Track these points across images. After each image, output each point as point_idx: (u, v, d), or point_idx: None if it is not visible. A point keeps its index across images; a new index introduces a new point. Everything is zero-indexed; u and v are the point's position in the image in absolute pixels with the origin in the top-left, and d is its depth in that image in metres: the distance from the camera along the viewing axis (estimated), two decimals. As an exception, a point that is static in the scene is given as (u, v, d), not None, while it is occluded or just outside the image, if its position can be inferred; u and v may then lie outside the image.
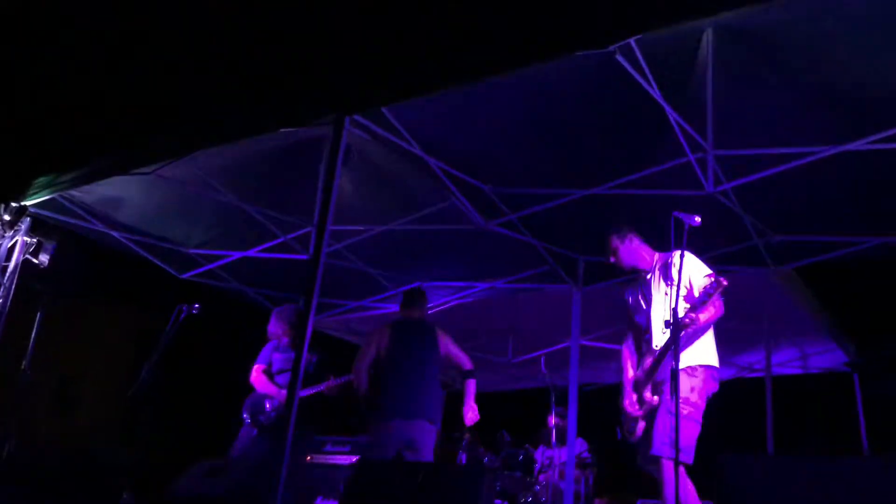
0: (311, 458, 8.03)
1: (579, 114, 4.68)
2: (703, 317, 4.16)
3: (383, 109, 4.57)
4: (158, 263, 7.12)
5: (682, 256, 4.11)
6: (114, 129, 4.89)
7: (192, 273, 7.29)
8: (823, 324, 7.86)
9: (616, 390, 4.93)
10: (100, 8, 5.01)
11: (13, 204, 5.72)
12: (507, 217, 5.92)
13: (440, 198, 5.70)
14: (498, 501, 6.93)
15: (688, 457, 4.10)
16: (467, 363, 5.73)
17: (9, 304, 5.69)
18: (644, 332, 4.56)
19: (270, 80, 4.21)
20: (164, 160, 5.06)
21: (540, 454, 8.25)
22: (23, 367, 5.74)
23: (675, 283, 4.05)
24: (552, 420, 7.39)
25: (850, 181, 5.05)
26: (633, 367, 4.64)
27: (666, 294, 4.39)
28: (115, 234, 6.55)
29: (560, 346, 8.24)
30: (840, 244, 5.90)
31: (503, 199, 5.74)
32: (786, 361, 9.10)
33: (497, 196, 5.68)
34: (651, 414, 4.34)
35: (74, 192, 5.88)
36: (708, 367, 4.38)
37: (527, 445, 8.09)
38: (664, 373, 4.22)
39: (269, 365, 6.05)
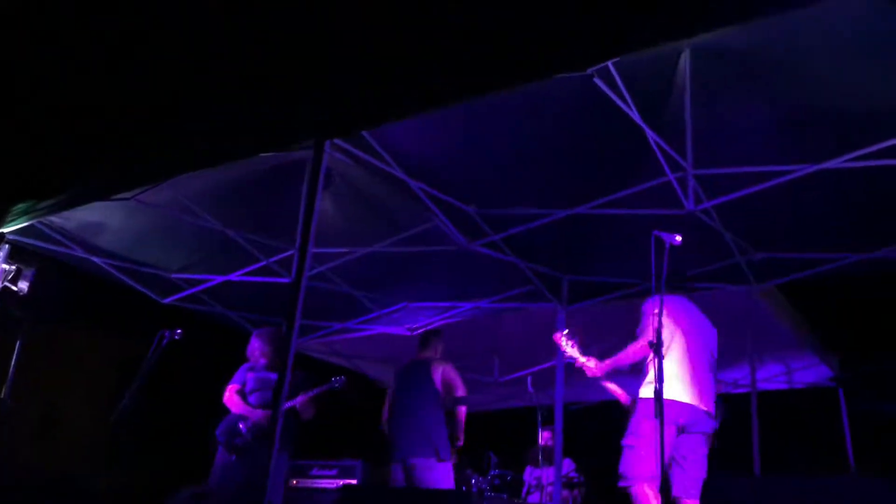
0: (297, 483, 7.97)
1: (559, 135, 4.70)
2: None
3: (363, 132, 4.58)
4: (140, 289, 7.07)
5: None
6: (93, 155, 4.86)
7: (174, 298, 7.23)
8: (807, 339, 7.90)
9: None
10: (80, 30, 4.99)
11: (-9, 231, 5.66)
12: (490, 238, 5.92)
13: (423, 219, 5.70)
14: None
15: (626, 482, 4.42)
16: (459, 390, 5.83)
17: (-12, 331, 5.63)
18: None
19: (249, 105, 4.19)
20: (144, 185, 5.02)
21: (528, 475, 8.21)
22: (2, 395, 5.65)
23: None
24: (541, 439, 7.36)
25: (830, 198, 5.09)
26: None
27: None
28: (95, 259, 6.50)
29: (546, 365, 8.22)
30: (821, 260, 5.93)
31: (486, 220, 5.75)
32: (771, 377, 9.11)
33: (480, 217, 5.68)
34: None
35: (54, 218, 5.83)
36: (648, 400, 4.37)
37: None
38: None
39: (243, 385, 5.96)
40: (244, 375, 5.99)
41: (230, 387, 5.94)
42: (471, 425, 6.05)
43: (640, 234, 4.81)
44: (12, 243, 5.83)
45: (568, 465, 8.04)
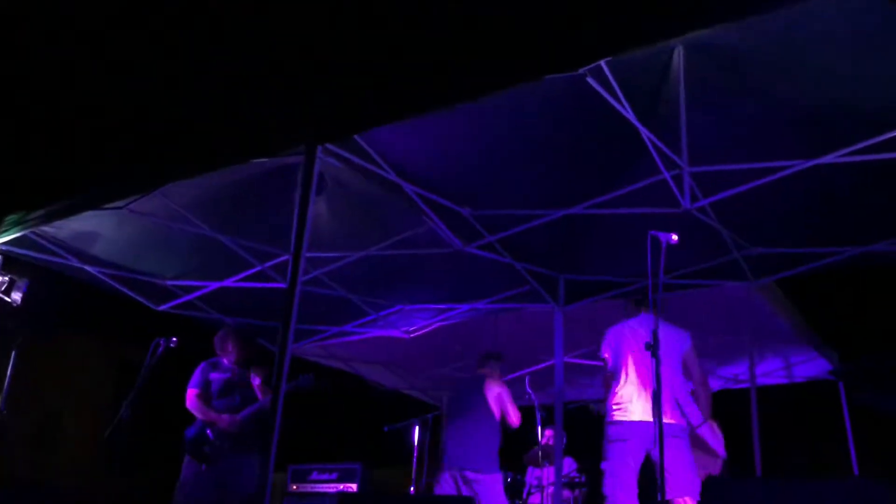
0: (297, 488, 7.95)
1: (553, 135, 4.67)
2: None
3: (355, 136, 4.54)
4: (135, 297, 7.03)
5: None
6: (84, 165, 4.82)
7: (170, 305, 7.19)
8: (806, 333, 7.89)
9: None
10: (70, 43, 4.96)
11: (-17, 243, 5.62)
12: (486, 239, 5.88)
13: (417, 222, 5.66)
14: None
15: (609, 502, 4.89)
16: (513, 420, 6.08)
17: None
18: None
19: (240, 111, 4.16)
20: (136, 194, 4.99)
21: (529, 475, 8.19)
22: (-1, 407, 5.62)
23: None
24: (542, 438, 7.35)
25: (827, 194, 5.07)
26: None
27: None
28: (89, 268, 6.45)
29: (544, 364, 8.21)
30: (818, 255, 5.91)
31: (481, 222, 5.71)
32: (770, 371, 9.11)
33: (475, 219, 5.64)
34: None
35: (46, 228, 5.79)
36: (610, 425, 5.07)
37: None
38: None
39: (206, 387, 5.74)
40: (206, 376, 5.77)
41: (191, 391, 5.71)
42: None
43: (636, 233, 4.81)
44: (5, 254, 5.81)
45: (569, 465, 8.02)
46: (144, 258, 6.54)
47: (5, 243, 5.71)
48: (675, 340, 5.22)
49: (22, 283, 5.92)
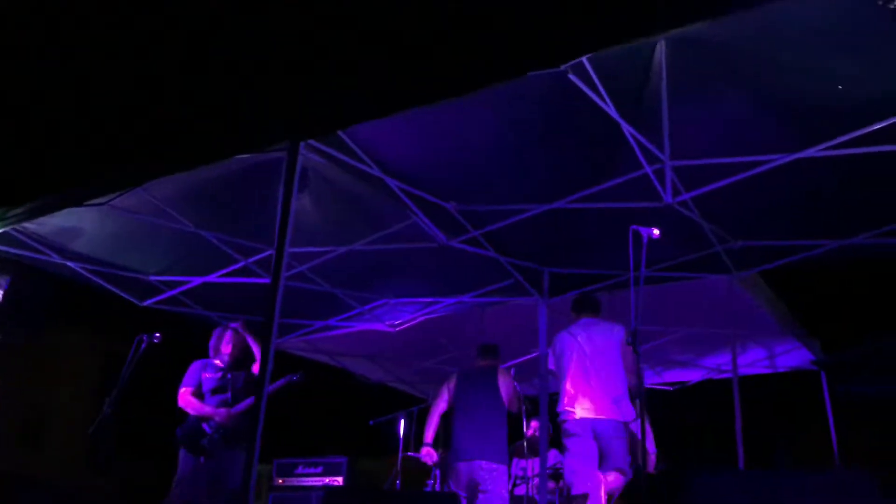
0: (283, 482, 7.95)
1: (536, 131, 4.68)
2: None
3: (338, 132, 4.54)
4: (118, 292, 7.00)
5: None
6: (65, 162, 4.79)
7: (153, 300, 7.17)
8: (788, 324, 7.95)
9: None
10: (50, 39, 4.92)
11: (-37, 241, 5.58)
12: (470, 234, 5.89)
13: (402, 217, 5.67)
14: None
15: (573, 489, 5.31)
16: (515, 408, 6.16)
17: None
18: None
19: (221, 108, 4.14)
20: (118, 191, 4.96)
21: (514, 466, 8.22)
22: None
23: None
24: (528, 430, 7.37)
25: (808, 187, 5.10)
26: None
27: None
28: (71, 264, 6.43)
29: (529, 356, 8.24)
30: (800, 248, 5.96)
31: (465, 217, 5.72)
32: (754, 361, 9.18)
33: (459, 213, 5.65)
34: None
35: (28, 225, 5.76)
36: (563, 423, 5.54)
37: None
38: None
39: (199, 386, 5.73)
40: (198, 376, 5.75)
41: (184, 389, 5.69)
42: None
43: (619, 227, 4.83)
44: (-15, 251, 5.77)
45: (555, 456, 8.06)
46: (127, 254, 6.51)
47: (-14, 240, 5.68)
48: (609, 338, 5.56)
49: (3, 280, 5.88)
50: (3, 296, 5.81)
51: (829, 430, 8.37)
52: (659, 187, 4.78)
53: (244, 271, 6.63)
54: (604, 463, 5.29)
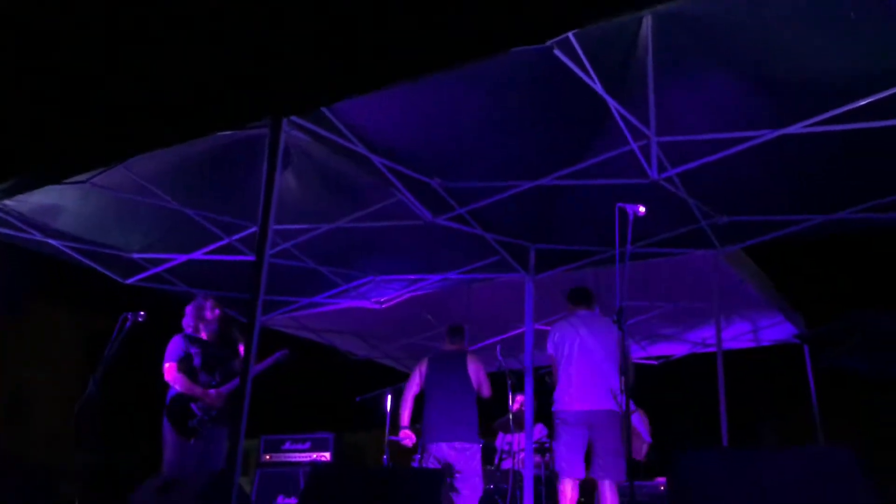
0: (270, 457, 7.98)
1: (521, 107, 4.66)
2: None
3: (321, 108, 4.49)
4: (102, 270, 6.94)
5: None
6: (44, 139, 4.72)
7: (137, 278, 7.12)
8: (772, 298, 8.00)
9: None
10: (32, 15, 4.83)
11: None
12: (456, 211, 5.87)
13: (387, 194, 5.63)
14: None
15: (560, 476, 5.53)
16: (486, 391, 6.28)
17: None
18: None
19: (203, 84, 4.08)
20: (99, 168, 4.90)
21: (500, 441, 8.28)
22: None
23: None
24: (514, 405, 7.41)
25: (792, 163, 5.11)
26: None
27: None
28: (53, 242, 6.36)
29: (514, 332, 8.27)
30: (784, 223, 5.97)
31: (450, 193, 5.69)
32: (738, 335, 9.25)
33: (444, 190, 5.62)
34: None
35: (8, 202, 5.68)
36: (557, 412, 5.69)
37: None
38: None
39: (188, 361, 5.59)
40: (182, 350, 5.60)
41: (169, 364, 5.54)
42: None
43: (605, 203, 4.85)
44: (-34, 230, 5.70)
45: (540, 431, 8.11)
46: (110, 231, 6.45)
47: (-34, 219, 5.61)
48: (608, 333, 5.62)
49: (-16, 258, 5.82)
50: (-15, 274, 5.74)
51: (812, 404, 8.47)
52: (644, 163, 4.77)
53: (228, 249, 6.58)
54: (594, 454, 5.42)
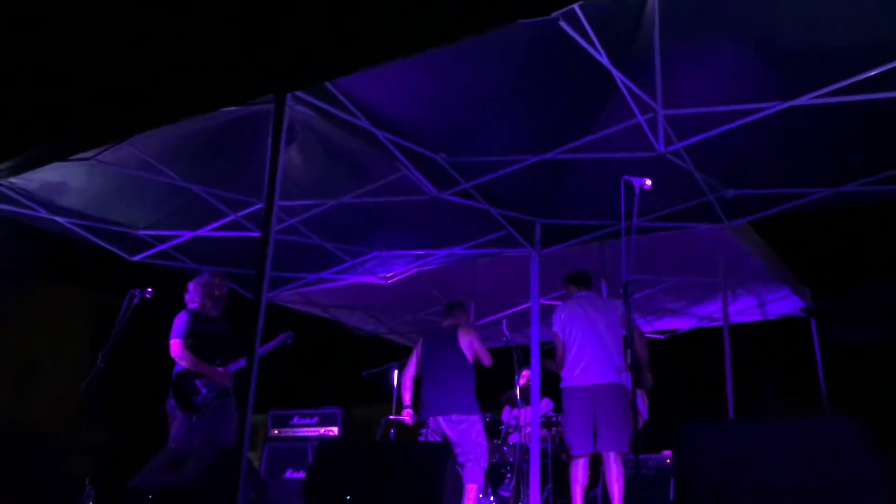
0: (279, 432, 8.04)
1: (527, 81, 4.62)
2: None
3: (326, 83, 4.47)
4: (108, 247, 6.96)
5: None
6: (49, 116, 4.71)
7: (144, 255, 7.14)
8: (779, 272, 7.99)
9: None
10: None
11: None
12: (461, 186, 5.85)
13: (392, 169, 5.62)
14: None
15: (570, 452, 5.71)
16: (485, 360, 6.29)
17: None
18: None
19: (206, 59, 4.05)
20: (103, 145, 4.89)
21: (507, 415, 8.32)
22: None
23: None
24: (520, 380, 7.44)
25: (800, 135, 5.07)
26: None
27: None
28: (60, 219, 6.37)
29: (520, 307, 8.28)
30: (791, 196, 5.94)
31: (456, 168, 5.67)
32: (745, 309, 9.24)
33: (450, 165, 5.60)
34: None
35: (14, 180, 5.69)
36: (565, 388, 5.85)
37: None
38: None
39: (196, 337, 5.53)
40: (190, 326, 5.56)
41: (176, 341, 5.49)
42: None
43: (611, 177, 4.83)
44: (-27, 208, 5.71)
45: (546, 405, 8.15)
46: (116, 208, 6.45)
47: (-27, 196, 5.62)
48: (610, 311, 5.80)
49: (-8, 235, 5.84)
50: (-7, 251, 5.77)
51: (819, 377, 8.47)
52: (651, 137, 4.74)
53: (234, 225, 6.59)
54: (598, 427, 5.52)
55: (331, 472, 4.10)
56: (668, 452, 7.28)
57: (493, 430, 7.77)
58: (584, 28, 3.90)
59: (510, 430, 7.96)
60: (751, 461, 2.90)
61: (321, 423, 7.86)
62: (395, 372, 7.55)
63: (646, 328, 9.97)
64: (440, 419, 6.03)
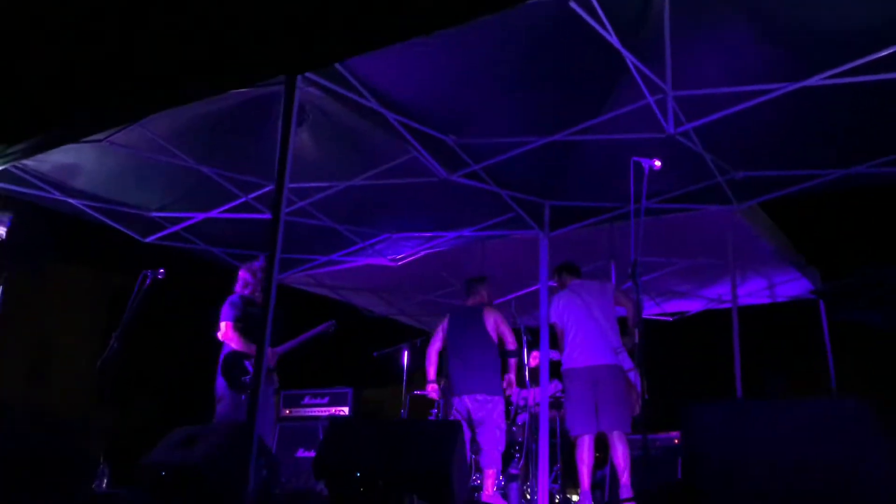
0: (290, 412, 8.12)
1: (536, 62, 4.62)
2: None
3: (336, 65, 4.48)
4: (121, 228, 7.02)
5: None
6: (62, 98, 4.74)
7: (156, 237, 7.20)
8: (788, 254, 7.97)
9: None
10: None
11: (-36, 179, 5.57)
12: (470, 168, 5.86)
13: (402, 151, 5.63)
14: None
15: (572, 432, 5.85)
16: (510, 344, 6.31)
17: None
18: None
19: (216, 41, 4.07)
20: (115, 127, 4.93)
21: (515, 395, 8.36)
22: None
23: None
24: (530, 361, 7.47)
25: (810, 117, 5.06)
26: None
27: None
28: (73, 201, 6.43)
29: (530, 289, 8.29)
30: (801, 178, 5.93)
31: (465, 150, 5.68)
32: (753, 291, 9.23)
33: (459, 147, 5.61)
34: None
35: (28, 162, 5.74)
36: (566, 371, 6.07)
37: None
38: None
39: (246, 320, 5.75)
40: (244, 311, 5.80)
41: (228, 323, 5.73)
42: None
43: (620, 159, 4.83)
44: (-13, 189, 5.76)
45: (555, 386, 8.19)
46: (128, 190, 6.51)
47: (-13, 178, 5.67)
48: (601, 295, 6.06)
49: (5, 217, 5.90)
50: (7, 233, 5.83)
51: (828, 359, 8.46)
52: (661, 118, 4.74)
53: (245, 207, 6.63)
54: (599, 407, 5.68)
55: (341, 450, 4.15)
56: (675, 433, 7.32)
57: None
58: (593, 8, 3.90)
59: (519, 411, 8.01)
60: (758, 440, 2.92)
61: (332, 403, 7.94)
62: (406, 353, 7.61)
63: (655, 310, 9.99)
64: (465, 398, 6.08)
